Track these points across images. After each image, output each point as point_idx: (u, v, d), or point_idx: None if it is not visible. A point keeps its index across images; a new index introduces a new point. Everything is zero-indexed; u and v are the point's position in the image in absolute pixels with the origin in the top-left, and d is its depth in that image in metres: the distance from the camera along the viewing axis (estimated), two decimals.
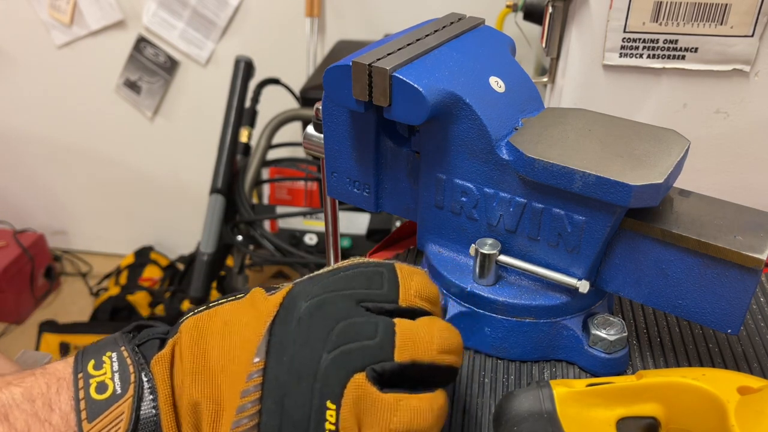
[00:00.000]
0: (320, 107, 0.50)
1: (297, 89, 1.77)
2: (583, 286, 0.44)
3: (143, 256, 2.28)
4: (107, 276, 2.30)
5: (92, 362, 0.36)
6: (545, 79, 0.77)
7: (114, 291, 2.08)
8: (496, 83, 0.47)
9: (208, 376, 0.35)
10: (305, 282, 0.37)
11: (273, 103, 1.83)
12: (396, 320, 0.34)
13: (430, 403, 0.33)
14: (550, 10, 0.70)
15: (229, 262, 1.84)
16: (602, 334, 0.45)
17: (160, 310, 1.99)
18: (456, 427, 0.42)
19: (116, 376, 0.35)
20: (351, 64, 0.43)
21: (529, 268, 0.46)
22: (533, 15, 0.81)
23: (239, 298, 0.38)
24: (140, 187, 2.34)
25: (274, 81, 1.79)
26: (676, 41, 0.64)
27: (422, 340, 0.33)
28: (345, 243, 1.67)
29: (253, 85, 1.75)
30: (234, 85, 1.71)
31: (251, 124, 1.74)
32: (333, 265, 0.38)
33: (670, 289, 0.43)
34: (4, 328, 2.18)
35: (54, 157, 2.31)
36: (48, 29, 2.05)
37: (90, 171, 2.33)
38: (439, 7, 1.41)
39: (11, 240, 2.24)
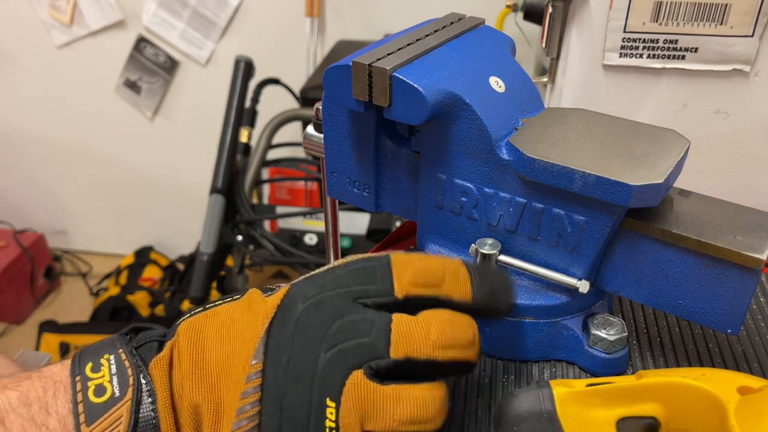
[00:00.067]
0: (320, 107, 0.50)
1: (297, 89, 1.77)
2: (583, 286, 0.44)
3: (143, 256, 2.28)
4: (107, 276, 2.30)
5: (90, 365, 0.36)
6: (545, 79, 0.77)
7: (114, 291, 2.08)
8: (496, 83, 0.47)
9: (207, 378, 0.35)
10: (302, 283, 0.37)
11: (273, 103, 1.83)
12: (394, 315, 0.34)
13: (431, 392, 0.33)
14: (550, 10, 0.70)
15: (229, 262, 1.84)
16: (602, 334, 0.45)
17: (160, 310, 1.99)
18: (456, 428, 0.42)
19: (114, 378, 0.35)
20: (351, 64, 0.43)
21: (529, 268, 0.46)
22: (533, 15, 0.81)
23: (236, 299, 0.38)
24: (140, 187, 2.34)
25: (274, 81, 1.79)
26: (676, 41, 0.64)
27: (417, 336, 0.33)
28: (345, 243, 1.67)
29: (253, 85, 1.75)
30: (234, 85, 1.71)
31: (251, 124, 1.74)
32: (329, 264, 0.38)
33: (670, 289, 0.43)
34: (4, 328, 2.18)
35: (54, 157, 2.31)
36: (48, 29, 2.05)
37: (90, 171, 2.33)
38: (439, 7, 1.41)
39: (11, 240, 2.24)
